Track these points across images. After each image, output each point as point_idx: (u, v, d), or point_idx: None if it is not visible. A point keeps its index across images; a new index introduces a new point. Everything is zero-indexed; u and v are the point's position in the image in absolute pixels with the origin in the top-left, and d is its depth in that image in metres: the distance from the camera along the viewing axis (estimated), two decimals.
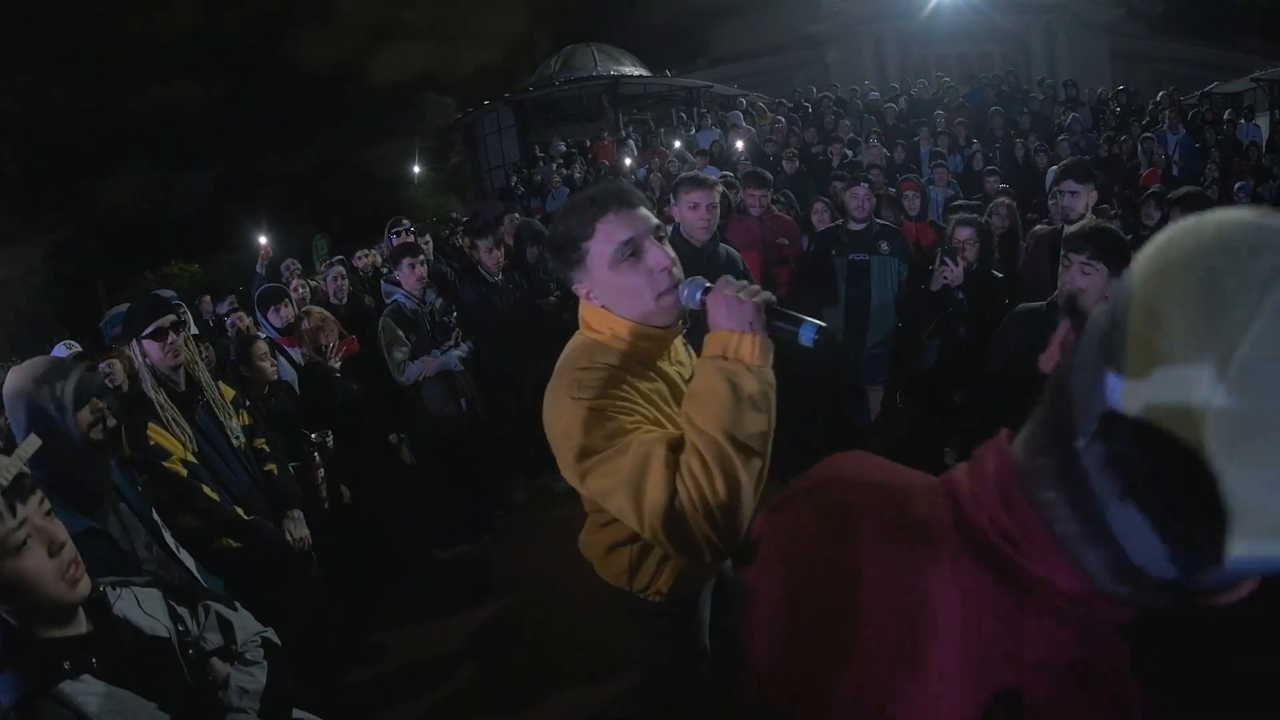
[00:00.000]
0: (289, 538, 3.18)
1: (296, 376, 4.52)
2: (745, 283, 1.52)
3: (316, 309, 4.96)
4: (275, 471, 3.30)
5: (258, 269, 6.96)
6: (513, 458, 5.03)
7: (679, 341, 1.83)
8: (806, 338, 1.46)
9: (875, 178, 7.08)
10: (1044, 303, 3.10)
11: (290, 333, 4.68)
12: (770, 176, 5.39)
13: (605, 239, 1.63)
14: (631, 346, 1.67)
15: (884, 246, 4.63)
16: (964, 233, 4.28)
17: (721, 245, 3.90)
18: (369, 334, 4.84)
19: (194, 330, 6.86)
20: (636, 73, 19.76)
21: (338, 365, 4.52)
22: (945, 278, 4.01)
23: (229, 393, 3.22)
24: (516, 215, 7.66)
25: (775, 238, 5.24)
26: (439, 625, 3.84)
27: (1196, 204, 3.55)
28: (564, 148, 15.39)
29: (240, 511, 2.98)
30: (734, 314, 1.47)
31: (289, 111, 33.53)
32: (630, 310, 1.66)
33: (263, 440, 3.31)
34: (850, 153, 9.67)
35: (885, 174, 7.96)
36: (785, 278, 5.12)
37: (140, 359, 2.91)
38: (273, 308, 4.69)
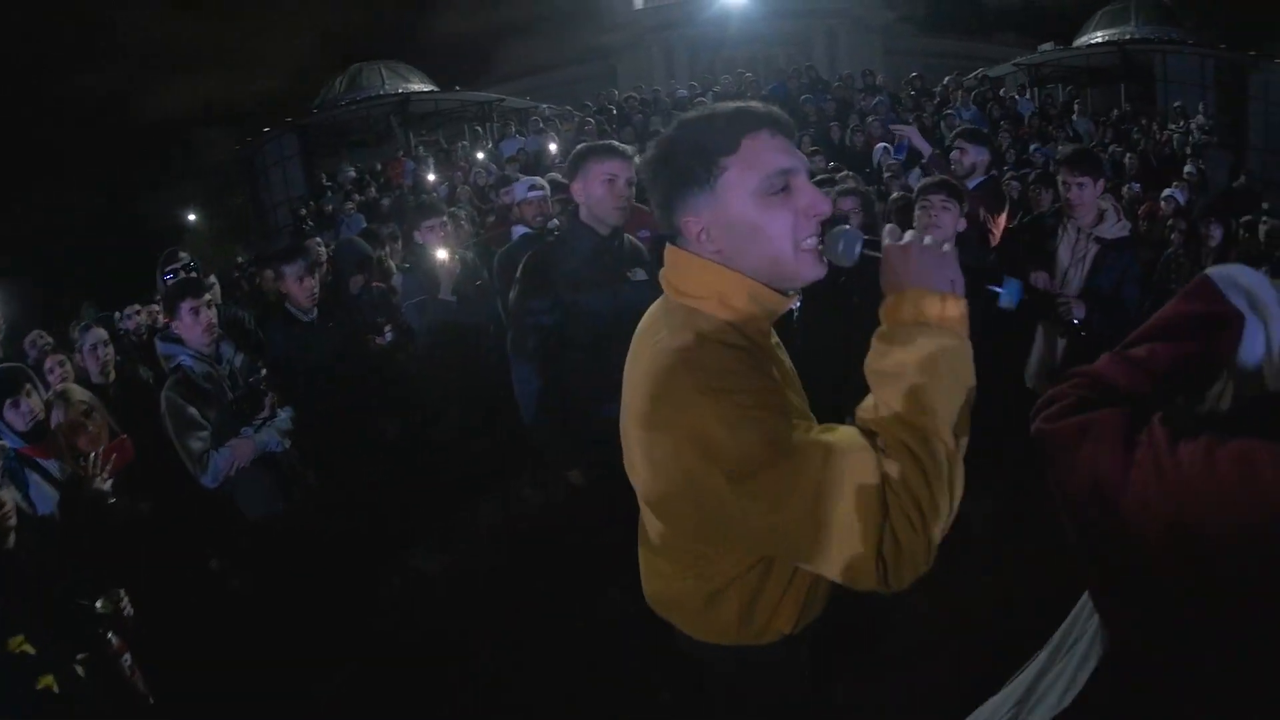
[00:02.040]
0: None
1: (58, 500, 3.02)
2: (919, 231, 1.22)
3: (75, 390, 3.46)
4: (55, 688, 2.03)
5: None
6: (378, 543, 3.95)
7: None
8: (1010, 299, 1.21)
9: None
10: None
11: (41, 437, 3.15)
12: (630, 152, 4.82)
13: (753, 162, 1.24)
14: (744, 316, 1.29)
15: None
16: (848, 202, 4.10)
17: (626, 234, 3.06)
18: (152, 421, 3.37)
19: None
20: (426, 89, 18.68)
21: (108, 484, 3.05)
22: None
23: None
24: (318, 240, 6.65)
25: (636, 230, 4.65)
26: None
27: (1084, 160, 3.69)
28: (353, 174, 14.18)
29: None
30: (936, 269, 1.16)
31: (49, 157, 29.56)
32: (759, 261, 1.27)
33: (20, 639, 2.01)
34: None
35: None
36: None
37: None
38: (9, 402, 3.09)
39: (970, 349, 1.15)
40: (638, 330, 1.40)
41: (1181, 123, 12.29)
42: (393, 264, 5.65)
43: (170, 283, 4.24)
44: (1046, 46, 18.61)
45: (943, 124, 9.77)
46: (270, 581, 3.47)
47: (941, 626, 2.98)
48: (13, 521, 2.27)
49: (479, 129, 16.09)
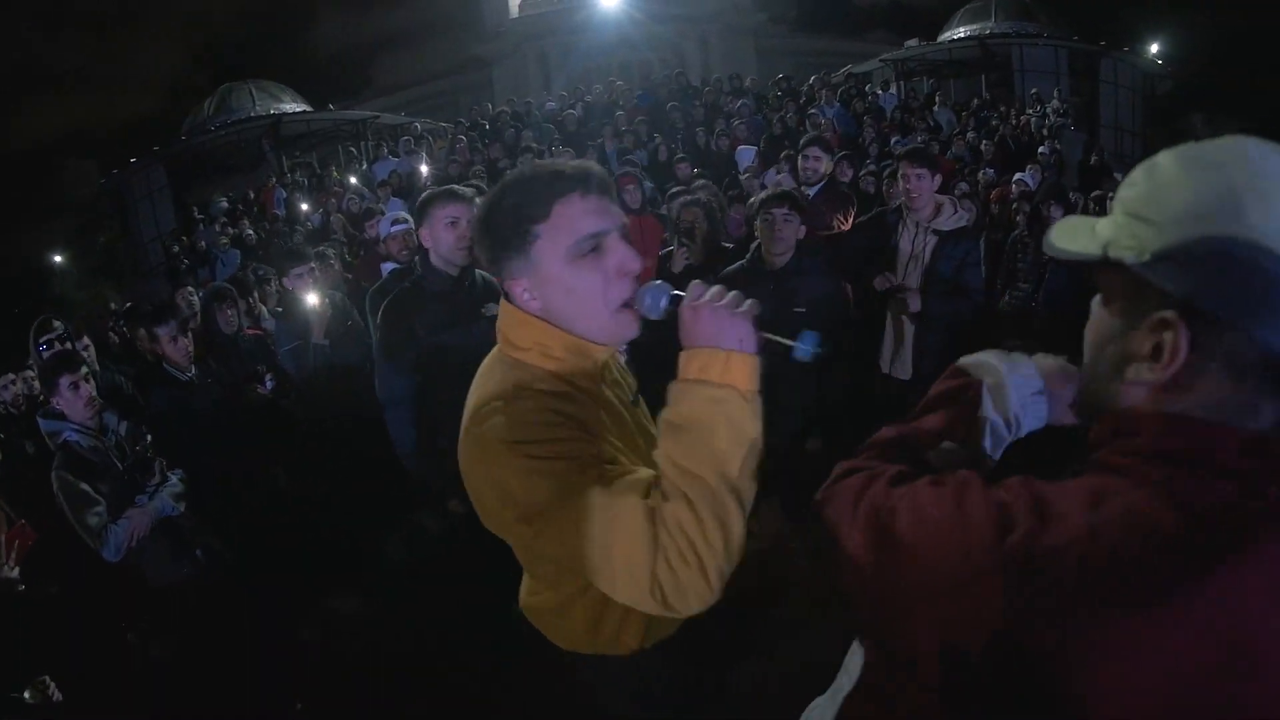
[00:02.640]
0: None
1: None
2: (720, 287, 1.27)
3: None
4: None
5: None
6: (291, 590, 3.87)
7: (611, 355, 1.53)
8: (804, 352, 1.25)
9: None
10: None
11: None
12: (470, 192, 4.81)
13: (564, 227, 1.31)
14: (566, 367, 1.39)
15: None
16: (690, 214, 4.27)
17: (476, 270, 3.15)
18: (43, 497, 3.29)
19: None
20: (299, 109, 18.13)
21: (15, 572, 3.11)
22: (686, 259, 4.18)
23: None
24: (189, 289, 6.43)
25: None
26: None
27: (920, 155, 3.93)
28: (225, 204, 13.69)
29: None
30: (723, 328, 1.22)
31: None
32: (575, 319, 1.37)
33: None
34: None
35: None
36: None
37: None
38: None
39: (755, 402, 1.21)
40: (476, 374, 1.48)
41: (1038, 107, 13.06)
42: (264, 308, 5.54)
43: (45, 355, 4.19)
44: (912, 43, 19.51)
45: (807, 123, 10.04)
46: (191, 643, 3.43)
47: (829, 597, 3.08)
48: None
49: (353, 149, 15.68)
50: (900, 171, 3.86)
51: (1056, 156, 10.02)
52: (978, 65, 18.46)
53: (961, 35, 19.04)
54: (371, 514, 4.44)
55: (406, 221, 4.62)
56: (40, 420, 3.36)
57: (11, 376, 5.04)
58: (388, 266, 4.90)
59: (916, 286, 3.78)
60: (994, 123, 11.54)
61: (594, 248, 1.32)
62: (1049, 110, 12.92)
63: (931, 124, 11.35)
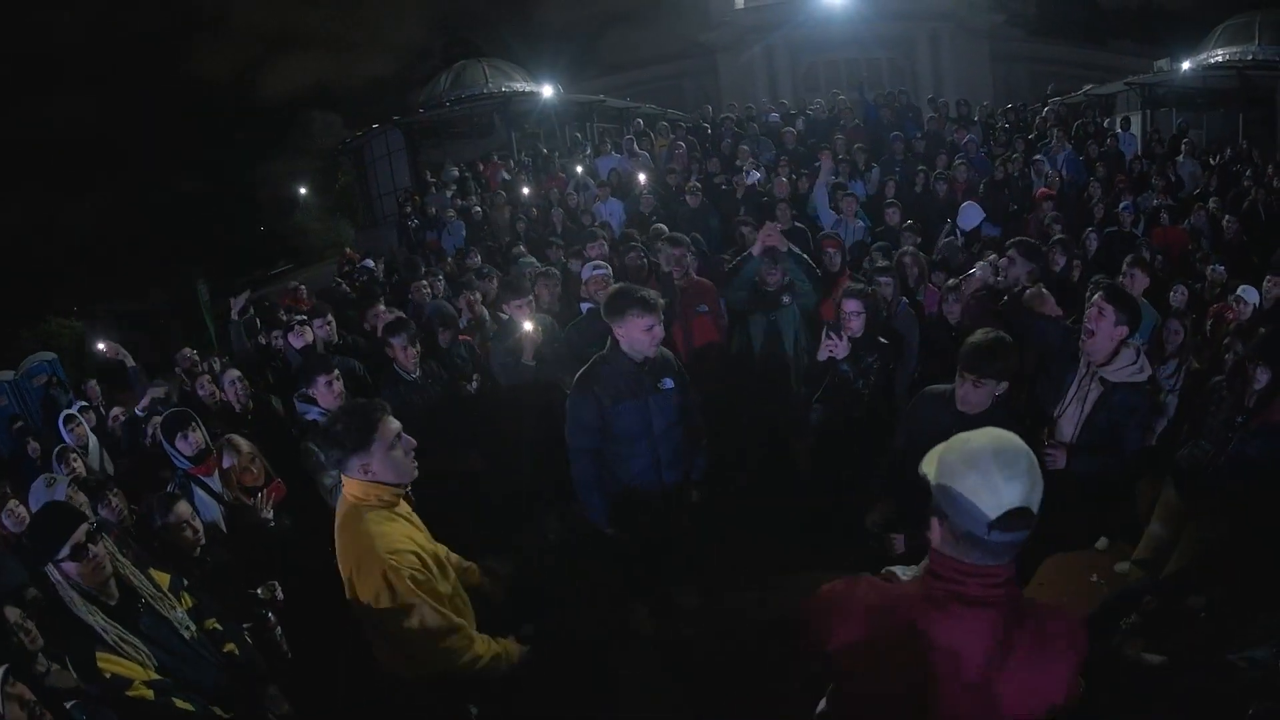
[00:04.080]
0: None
1: (220, 511, 3.99)
2: None
3: (240, 441, 4.30)
4: (236, 651, 2.98)
5: (126, 365, 6.32)
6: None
7: None
8: None
9: (782, 213, 7.00)
10: (950, 387, 3.28)
11: (204, 459, 4.04)
12: (686, 238, 5.21)
13: (386, 431, 2.61)
14: (396, 502, 2.70)
15: (785, 299, 4.84)
16: (850, 305, 4.28)
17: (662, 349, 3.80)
18: (282, 444, 4.53)
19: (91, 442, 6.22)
20: (528, 89, 19.13)
21: (271, 514, 4.08)
22: (830, 350, 4.19)
23: (164, 579, 2.86)
24: (424, 284, 7.22)
25: (695, 305, 5.07)
26: None
27: (1118, 297, 3.43)
28: (456, 173, 14.80)
29: (220, 711, 2.72)
30: None
31: (179, 128, 31.32)
32: (397, 477, 2.66)
33: (213, 620, 2.96)
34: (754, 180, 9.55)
35: (791, 205, 7.92)
36: (713, 353, 5.06)
37: (63, 581, 2.54)
38: (179, 435, 4.01)
39: None
40: (343, 520, 2.65)
41: None
42: (484, 310, 6.15)
43: (305, 358, 5.35)
44: (1162, 63, 17.65)
45: (1032, 170, 9.63)
46: None
47: None
48: (202, 539, 3.56)
49: (578, 134, 16.45)
50: (1092, 299, 3.44)
51: None
52: (1236, 98, 16.14)
53: (1220, 59, 16.91)
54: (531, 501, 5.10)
55: (604, 268, 5.36)
56: (296, 401, 4.63)
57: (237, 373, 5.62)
58: (585, 305, 5.43)
59: (1070, 437, 3.47)
60: (1245, 182, 10.37)
61: (399, 435, 2.68)
62: None
63: (1173, 178, 10.42)
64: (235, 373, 5.22)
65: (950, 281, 5.14)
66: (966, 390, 3.15)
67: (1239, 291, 5.60)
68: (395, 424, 2.62)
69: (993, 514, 1.52)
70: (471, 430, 4.88)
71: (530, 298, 5.10)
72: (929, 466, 1.65)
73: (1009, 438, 1.60)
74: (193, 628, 2.83)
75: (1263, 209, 9.13)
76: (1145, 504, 4.24)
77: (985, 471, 1.54)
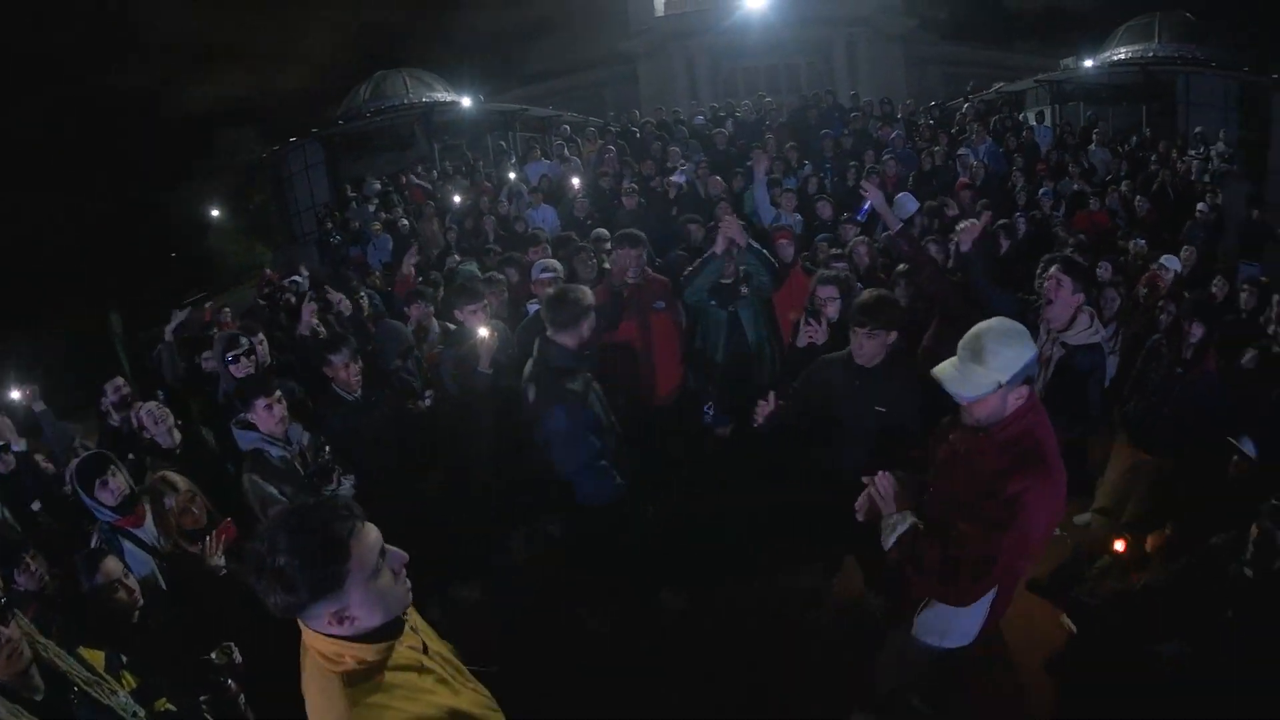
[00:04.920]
0: None
1: (155, 564, 3.47)
2: None
3: (175, 477, 3.69)
4: None
5: (35, 409, 5.42)
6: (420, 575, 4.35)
7: None
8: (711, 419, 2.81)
9: (723, 211, 6.96)
10: (844, 352, 3.65)
11: (131, 507, 3.52)
12: (643, 235, 5.10)
13: (364, 554, 1.64)
14: (387, 657, 1.69)
15: (744, 290, 4.87)
16: (825, 290, 4.31)
17: None
18: (219, 481, 3.98)
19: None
20: (449, 99, 18.80)
21: (222, 561, 3.42)
22: (810, 337, 4.24)
23: (98, 658, 2.45)
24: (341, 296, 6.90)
25: (651, 302, 4.97)
26: None
27: (1074, 269, 3.75)
28: (379, 186, 14.44)
29: None
30: None
31: (83, 147, 29.61)
32: (386, 614, 1.70)
33: (163, 700, 2.54)
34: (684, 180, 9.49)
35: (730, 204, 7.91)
36: (671, 351, 5.01)
37: None
38: (98, 482, 3.48)
39: None
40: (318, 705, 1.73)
41: (1201, 149, 12.17)
42: (433, 322, 5.87)
43: (235, 370, 4.74)
44: (1068, 61, 18.60)
45: (957, 163, 9.88)
46: None
47: None
48: (140, 599, 3.00)
49: (503, 142, 16.24)
50: (1048, 271, 3.74)
51: (1216, 214, 9.26)
52: (1139, 92, 17.19)
53: (1122, 57, 17.83)
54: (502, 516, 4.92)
55: (555, 270, 5.22)
56: (235, 430, 3.89)
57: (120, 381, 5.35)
58: (532, 306, 5.36)
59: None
60: (1153, 166, 11.00)
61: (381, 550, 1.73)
62: (1213, 154, 12.15)
63: (1086, 165, 10.94)
64: (153, 403, 4.57)
65: (900, 268, 5.23)
66: (861, 343, 3.46)
67: (1162, 260, 6.26)
68: (373, 534, 1.68)
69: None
70: (428, 450, 4.66)
71: (485, 302, 4.89)
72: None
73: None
74: (140, 713, 2.44)
75: (1171, 189, 10.13)
76: (1097, 459, 4.62)
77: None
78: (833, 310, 4.26)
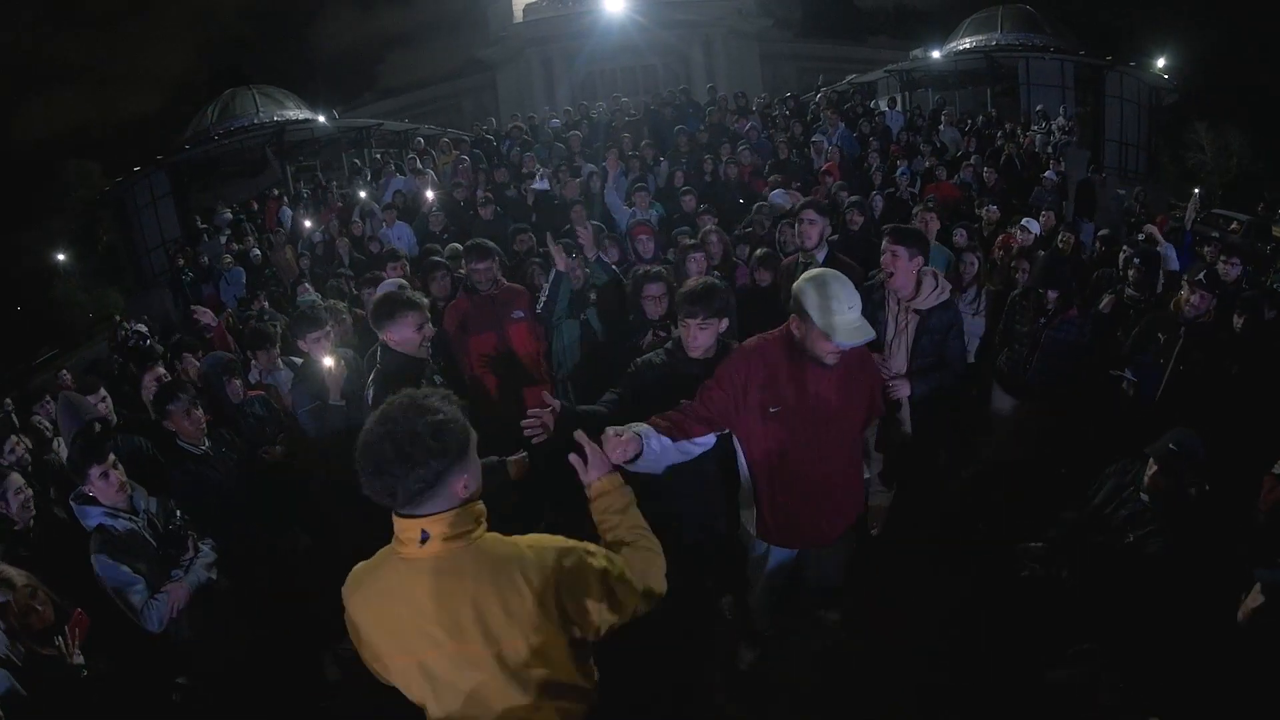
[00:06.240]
0: None
1: (10, 678, 2.80)
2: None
3: (13, 574, 3.04)
4: None
5: None
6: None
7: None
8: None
9: (577, 214, 6.81)
10: (664, 348, 3.49)
11: None
12: (494, 246, 4.87)
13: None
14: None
15: (592, 297, 4.94)
16: (653, 288, 4.25)
17: None
18: (77, 563, 3.30)
19: None
20: (301, 116, 17.91)
21: (80, 658, 2.95)
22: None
23: None
24: (194, 358, 6.25)
25: (509, 312, 4.80)
26: None
27: (902, 236, 3.80)
28: (230, 215, 13.66)
29: None
30: (594, 468, 2.19)
31: None
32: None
33: None
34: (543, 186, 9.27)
35: (586, 207, 7.71)
36: (533, 360, 4.87)
37: None
38: None
39: (625, 493, 2.11)
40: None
41: (1044, 124, 13.11)
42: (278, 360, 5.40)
43: (71, 444, 3.92)
44: (917, 52, 19.59)
45: (811, 149, 10.03)
46: (238, 695, 3.53)
47: None
48: None
49: (357, 160, 15.63)
50: (884, 247, 3.75)
51: (1061, 180, 10.05)
52: (984, 77, 18.48)
53: (968, 46, 18.96)
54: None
55: (405, 287, 4.77)
56: (73, 504, 3.36)
57: (14, 439, 4.89)
58: None
59: (903, 368, 3.76)
60: (999, 141, 11.51)
61: None
62: (1054, 128, 12.96)
63: (937, 144, 11.33)
64: (17, 479, 3.84)
65: (759, 252, 5.34)
66: (693, 334, 3.23)
67: (1023, 223, 6.71)
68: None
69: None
70: (286, 503, 4.19)
71: (328, 328, 4.49)
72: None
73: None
74: None
75: (1017, 160, 10.76)
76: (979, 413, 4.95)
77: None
78: (662, 308, 4.19)
